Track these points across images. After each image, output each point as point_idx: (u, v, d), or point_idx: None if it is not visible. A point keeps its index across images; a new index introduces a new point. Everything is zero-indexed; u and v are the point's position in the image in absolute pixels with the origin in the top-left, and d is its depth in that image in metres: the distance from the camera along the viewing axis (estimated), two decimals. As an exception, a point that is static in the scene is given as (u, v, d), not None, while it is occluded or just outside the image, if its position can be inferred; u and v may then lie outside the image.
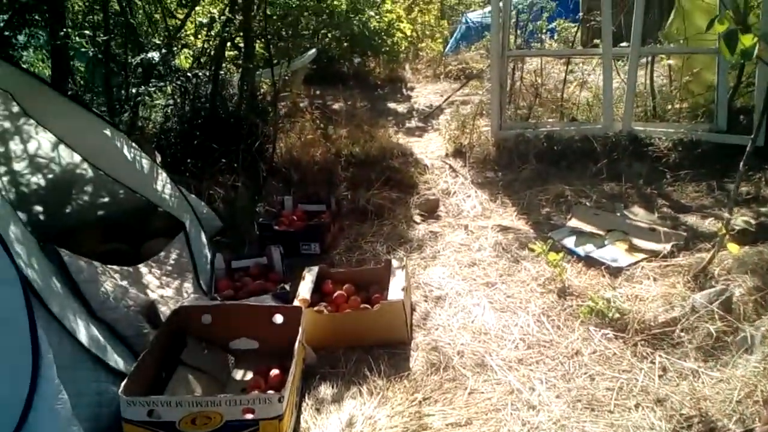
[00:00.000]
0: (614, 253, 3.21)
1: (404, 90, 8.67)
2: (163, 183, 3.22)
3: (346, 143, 4.94)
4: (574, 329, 2.61)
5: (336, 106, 7.03)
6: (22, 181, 3.10)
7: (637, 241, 3.28)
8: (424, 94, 8.29)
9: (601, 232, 3.43)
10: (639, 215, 3.65)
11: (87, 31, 4.28)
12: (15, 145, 2.99)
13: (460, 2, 13.18)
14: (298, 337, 2.21)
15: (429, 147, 5.53)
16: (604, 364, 2.37)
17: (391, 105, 7.62)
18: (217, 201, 3.87)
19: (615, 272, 3.04)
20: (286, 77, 5.55)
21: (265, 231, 3.53)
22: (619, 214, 3.68)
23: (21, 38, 4.15)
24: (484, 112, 5.63)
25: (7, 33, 4.05)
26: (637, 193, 4.03)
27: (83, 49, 4.36)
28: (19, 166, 3.05)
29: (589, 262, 3.18)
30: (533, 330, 2.63)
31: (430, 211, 4.04)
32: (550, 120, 5.34)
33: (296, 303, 2.62)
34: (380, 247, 3.55)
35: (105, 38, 4.13)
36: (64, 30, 3.79)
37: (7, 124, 2.90)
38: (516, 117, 5.47)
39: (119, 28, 4.53)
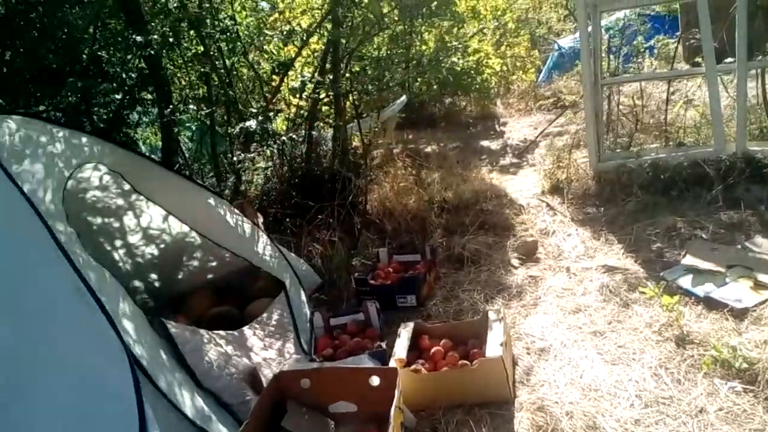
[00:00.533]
0: (738, 291, 2.91)
1: (497, 126, 8.59)
2: (263, 245, 3.37)
3: (439, 189, 4.92)
4: (696, 383, 2.37)
5: (429, 149, 7.06)
6: (137, 252, 3.37)
7: (763, 277, 2.96)
8: (518, 128, 8.16)
9: (721, 269, 3.13)
10: (763, 246, 3.30)
11: (192, 106, 4.64)
12: (129, 220, 3.27)
13: (550, 30, 12.91)
14: (394, 402, 2.17)
15: (524, 184, 5.38)
16: (733, 423, 2.13)
17: (484, 143, 7.56)
18: (315, 257, 3.97)
19: (740, 314, 2.75)
20: (376, 128, 5.67)
21: (361, 285, 3.56)
22: (740, 247, 3.36)
23: (133, 116, 4.55)
24: (581, 143, 5.42)
25: (122, 112, 4.46)
26: (759, 220, 3.66)
27: (187, 124, 4.72)
28: (133, 238, 3.33)
29: (710, 303, 2.90)
30: (650, 385, 2.42)
31: (529, 254, 3.89)
32: (653, 146, 5.04)
33: (392, 363, 2.59)
34: (477, 296, 3.45)
35: (207, 111, 4.45)
36: (171, 105, 4.12)
37: (120, 202, 3.18)
38: (616, 146, 5.22)
39: (221, 99, 4.87)
